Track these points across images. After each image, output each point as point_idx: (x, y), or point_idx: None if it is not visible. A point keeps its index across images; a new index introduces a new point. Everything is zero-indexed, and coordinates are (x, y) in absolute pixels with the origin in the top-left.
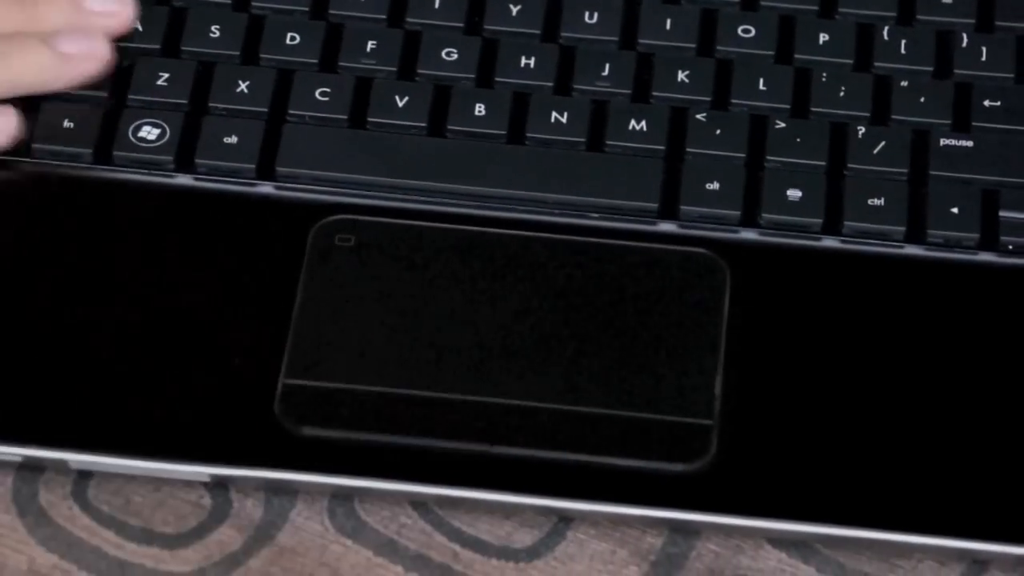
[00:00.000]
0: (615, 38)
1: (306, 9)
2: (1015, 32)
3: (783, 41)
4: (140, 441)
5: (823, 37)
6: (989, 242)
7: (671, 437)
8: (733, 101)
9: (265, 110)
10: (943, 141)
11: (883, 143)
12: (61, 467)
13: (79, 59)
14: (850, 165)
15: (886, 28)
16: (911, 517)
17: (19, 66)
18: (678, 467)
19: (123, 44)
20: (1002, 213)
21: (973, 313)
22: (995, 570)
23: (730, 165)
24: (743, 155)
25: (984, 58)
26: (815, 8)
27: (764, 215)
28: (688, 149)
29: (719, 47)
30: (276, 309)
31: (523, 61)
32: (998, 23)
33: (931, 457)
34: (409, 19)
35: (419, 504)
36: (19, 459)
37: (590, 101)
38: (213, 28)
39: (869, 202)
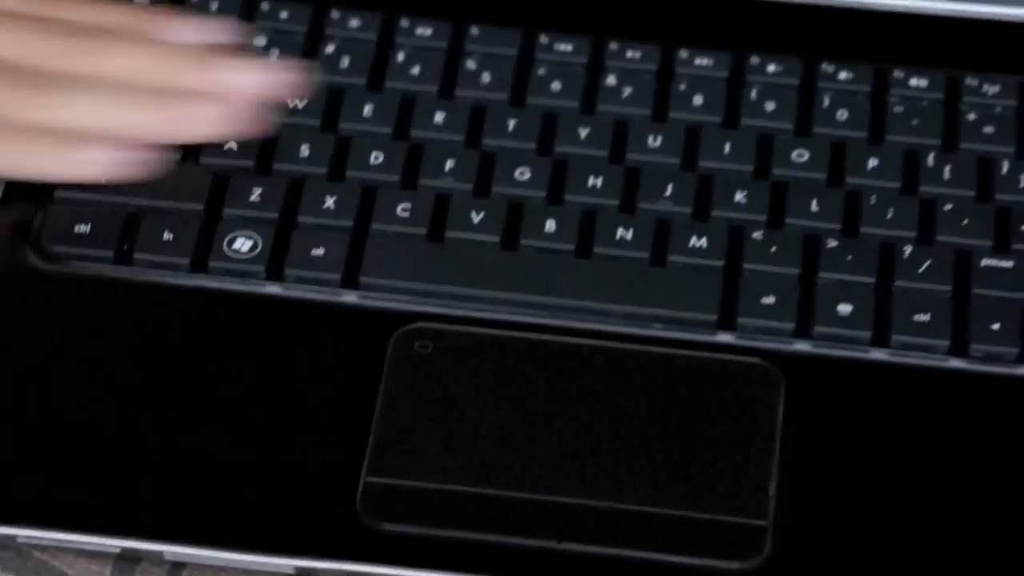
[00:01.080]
0: (677, 160)
1: (389, 131)
2: None
3: (835, 165)
4: (230, 534)
5: (872, 162)
6: None
7: (728, 537)
8: (787, 221)
9: (350, 224)
10: (984, 261)
11: (928, 262)
12: (156, 558)
13: (207, 120)
14: (897, 282)
15: (931, 154)
16: None
17: (150, 117)
18: (734, 565)
19: (218, 161)
20: None
21: (1014, 424)
22: None
23: (785, 281)
24: (797, 271)
25: (1023, 184)
26: (864, 135)
27: (817, 328)
28: (745, 265)
29: (775, 170)
30: (358, 411)
31: (591, 181)
32: None
33: (966, 558)
34: (485, 140)
35: None
36: (117, 550)
37: (653, 219)
38: (303, 147)
39: (915, 317)
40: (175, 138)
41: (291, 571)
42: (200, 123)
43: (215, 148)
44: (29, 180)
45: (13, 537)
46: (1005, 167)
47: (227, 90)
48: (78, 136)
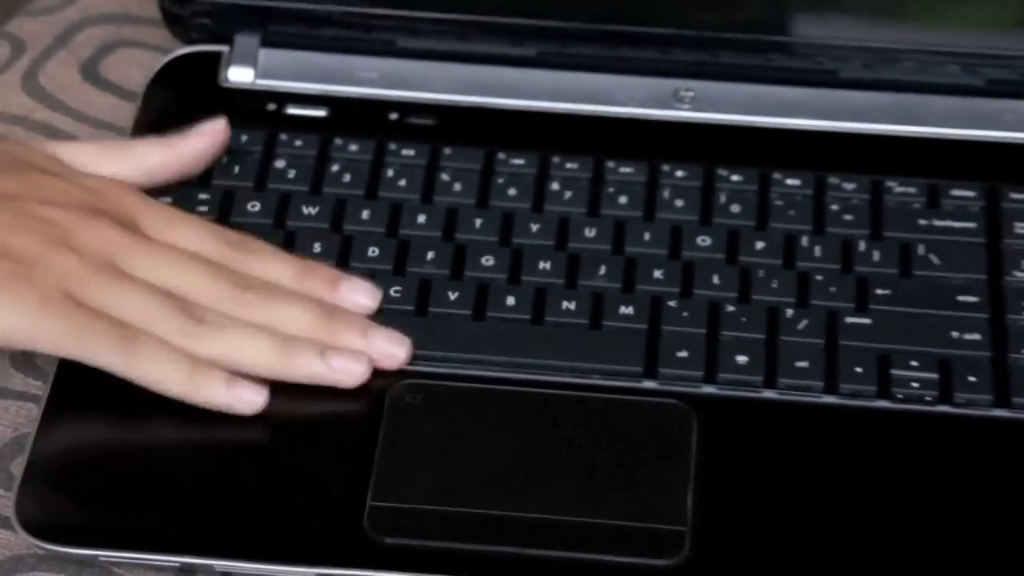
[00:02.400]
0: (608, 247)
1: (382, 230)
2: (899, 240)
3: (730, 247)
4: (265, 549)
5: (759, 244)
6: (884, 392)
7: (656, 540)
8: (695, 291)
9: None
10: (848, 319)
11: (805, 321)
12: (208, 570)
13: (344, 373)
14: (782, 337)
15: (805, 237)
16: None
17: (295, 364)
18: (661, 562)
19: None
20: (893, 371)
21: (873, 446)
22: None
23: (695, 338)
24: (704, 331)
25: (876, 258)
26: (753, 223)
27: (720, 374)
28: (663, 327)
29: (684, 252)
30: (364, 451)
31: (541, 265)
32: (886, 234)
33: (839, 555)
34: (458, 235)
35: None
36: (177, 565)
37: (591, 293)
38: (315, 244)
39: (796, 364)
40: (313, 382)
41: None
42: (345, 376)
43: None
44: (153, 389)
45: (96, 557)
46: (862, 246)
47: (378, 359)
48: (218, 367)
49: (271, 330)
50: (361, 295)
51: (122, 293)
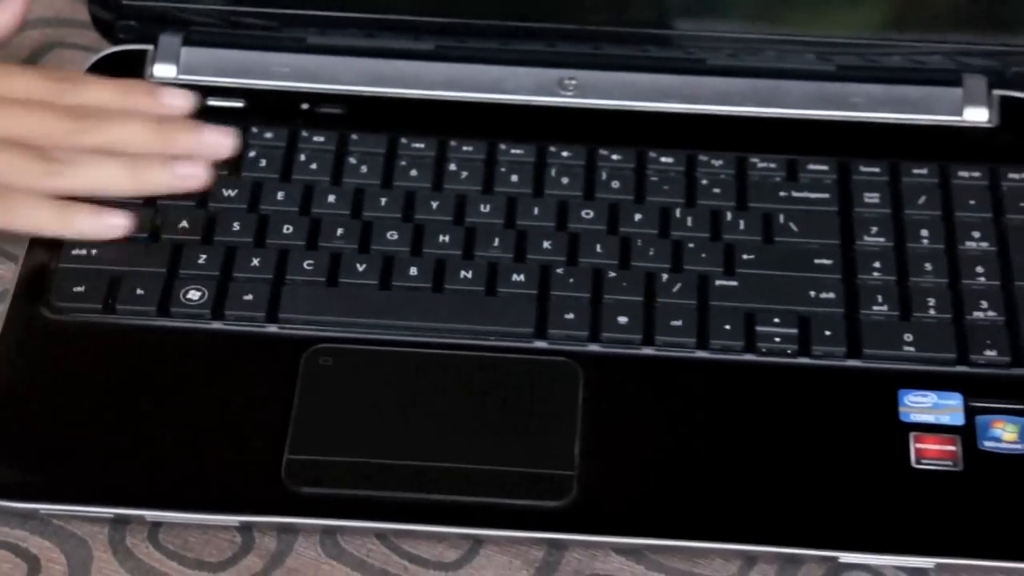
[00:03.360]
0: (501, 221)
1: (296, 209)
2: (762, 211)
3: (611, 220)
4: (192, 500)
5: (637, 216)
6: (750, 347)
7: (547, 484)
8: (580, 260)
9: (271, 277)
10: (717, 282)
11: (679, 284)
12: (140, 520)
13: (188, 178)
14: (658, 299)
15: (678, 209)
16: (700, 530)
17: (146, 180)
18: (551, 503)
19: (175, 236)
20: (757, 328)
21: (740, 395)
22: (762, 563)
23: (580, 302)
24: (588, 295)
25: (742, 227)
26: (631, 198)
27: (603, 334)
28: (552, 292)
29: (570, 225)
30: (282, 409)
31: (441, 238)
32: (750, 205)
33: (710, 491)
34: (365, 213)
35: (380, 535)
36: (111, 515)
37: (486, 263)
38: (235, 224)
39: (671, 323)
40: (164, 192)
41: (236, 524)
42: (189, 180)
43: (172, 227)
44: (30, 235)
45: (37, 510)
46: (729, 216)
47: (203, 152)
48: (81, 199)
49: (118, 154)
50: (177, 98)
51: None
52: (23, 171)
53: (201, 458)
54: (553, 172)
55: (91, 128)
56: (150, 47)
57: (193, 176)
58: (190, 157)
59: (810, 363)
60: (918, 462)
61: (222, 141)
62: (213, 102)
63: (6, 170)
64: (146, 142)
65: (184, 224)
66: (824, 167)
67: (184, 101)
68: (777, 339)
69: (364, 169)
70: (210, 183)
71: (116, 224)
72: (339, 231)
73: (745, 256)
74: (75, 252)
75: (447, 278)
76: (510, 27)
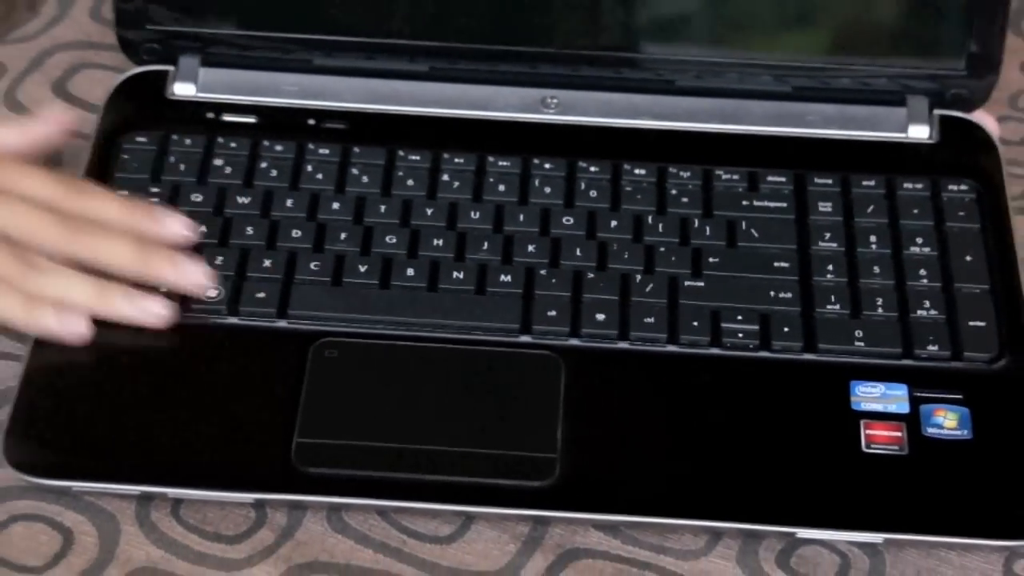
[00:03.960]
0: (489, 226)
1: (303, 215)
2: (726, 218)
3: (590, 226)
4: (211, 479)
5: (613, 223)
6: (716, 342)
7: (532, 465)
8: (561, 262)
9: (281, 277)
10: (686, 283)
11: (651, 285)
12: (163, 497)
13: (150, 315)
14: (632, 299)
15: (650, 217)
16: (671, 508)
17: (109, 306)
18: (535, 483)
19: (196, 240)
20: (722, 324)
21: (706, 385)
22: (727, 538)
23: (562, 300)
24: (569, 294)
25: (708, 233)
26: (608, 206)
27: (583, 330)
28: (536, 292)
29: (552, 230)
30: (292, 398)
31: (435, 242)
32: (715, 213)
33: (680, 473)
34: (366, 219)
35: (381, 512)
36: (138, 493)
37: (476, 265)
38: (248, 228)
39: (644, 320)
40: (123, 320)
41: (251, 501)
42: (150, 317)
43: (192, 230)
44: (11, 327)
45: (70, 487)
46: (696, 223)
47: (179, 284)
48: (49, 303)
49: (92, 274)
50: (177, 226)
51: None
52: (6, 267)
53: (219, 441)
54: (537, 182)
55: (79, 241)
56: (171, 67)
57: (155, 314)
58: (159, 289)
59: (770, 356)
60: (868, 447)
61: (199, 281)
62: (228, 118)
63: None
64: (127, 265)
65: (202, 228)
66: (782, 179)
67: (185, 230)
68: (740, 335)
69: (365, 179)
70: (171, 320)
71: (76, 331)
72: (343, 235)
73: (711, 259)
74: None
75: (441, 278)
76: (497, 51)
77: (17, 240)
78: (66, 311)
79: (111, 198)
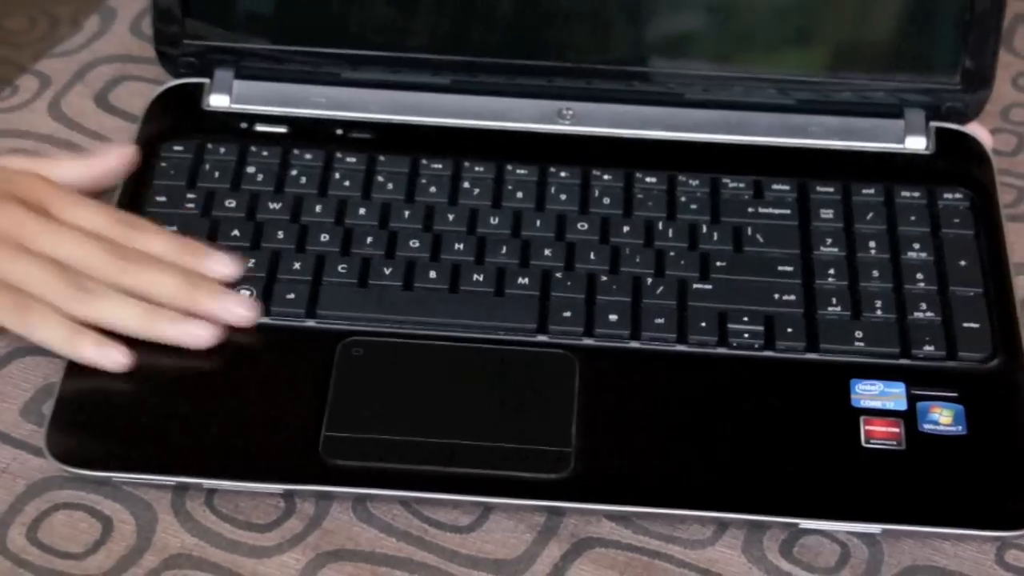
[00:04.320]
0: (508, 231)
1: (332, 220)
2: (732, 224)
3: (603, 231)
4: (243, 471)
5: (626, 228)
6: (723, 342)
7: (547, 458)
8: (576, 266)
9: (310, 279)
10: (695, 286)
11: (662, 287)
12: (198, 487)
13: (196, 338)
14: (644, 301)
15: (660, 223)
16: (680, 500)
17: (156, 329)
18: (552, 476)
19: (230, 243)
20: (729, 325)
21: (714, 382)
22: (733, 528)
23: (576, 302)
24: (583, 296)
25: (715, 238)
26: (621, 212)
27: (597, 330)
28: (552, 294)
29: (567, 235)
30: (319, 393)
31: (456, 246)
32: (723, 219)
33: (688, 466)
34: (391, 224)
35: (404, 502)
36: (174, 483)
37: (495, 268)
38: (279, 233)
39: (655, 321)
40: (168, 343)
41: (280, 492)
42: (196, 340)
43: (226, 236)
44: (43, 346)
45: (110, 478)
46: (704, 229)
47: (222, 317)
48: (92, 330)
49: (141, 299)
50: (222, 265)
51: (22, 266)
52: (51, 291)
53: (250, 434)
54: (553, 190)
55: (128, 271)
56: (207, 80)
57: (200, 337)
58: (206, 319)
59: (774, 356)
60: (867, 442)
61: (243, 313)
62: (261, 128)
63: (36, 284)
64: (173, 297)
65: (235, 232)
66: (786, 187)
67: (229, 270)
68: (746, 335)
69: (390, 186)
70: (215, 342)
71: (118, 360)
72: (369, 239)
73: (718, 263)
74: None
75: (461, 280)
76: (516, 65)
77: (68, 266)
78: (105, 344)
79: (161, 232)
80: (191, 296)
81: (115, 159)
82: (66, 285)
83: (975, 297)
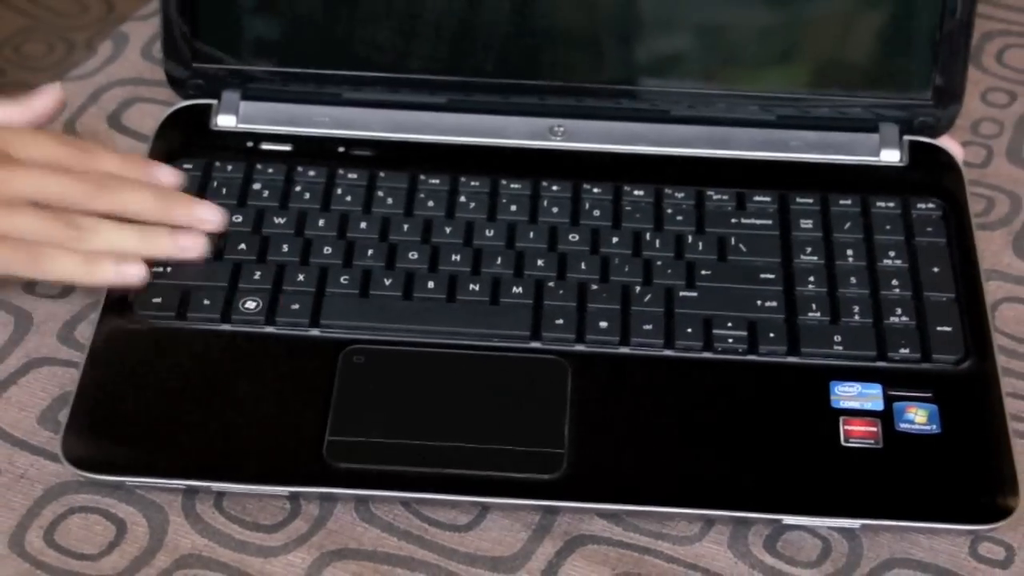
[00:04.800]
0: (502, 243)
1: (334, 234)
2: (717, 234)
3: (593, 242)
4: (251, 474)
5: (614, 239)
6: (708, 347)
7: (542, 460)
8: (568, 275)
9: (313, 290)
10: (681, 293)
11: (650, 295)
12: (207, 491)
13: (188, 249)
14: (632, 308)
15: (647, 233)
16: (668, 498)
17: (153, 246)
18: (544, 476)
19: (235, 256)
20: (714, 331)
21: (700, 385)
22: (719, 524)
23: (568, 310)
24: (575, 304)
25: (700, 248)
26: (610, 224)
27: (588, 336)
28: (545, 302)
29: (559, 246)
30: (323, 398)
31: (453, 257)
32: (707, 229)
33: (676, 466)
34: (391, 237)
35: (405, 503)
36: (184, 487)
37: (490, 278)
38: (284, 246)
39: (643, 327)
40: (170, 257)
41: (286, 494)
42: (188, 251)
43: (233, 248)
44: (58, 284)
45: (123, 482)
46: (690, 239)
47: (195, 224)
48: (105, 256)
49: (133, 223)
50: (169, 175)
51: (14, 220)
52: (50, 234)
53: (257, 439)
54: (545, 203)
55: (105, 195)
56: (215, 101)
57: (192, 248)
58: (188, 228)
59: (757, 360)
60: (846, 441)
61: (211, 217)
62: (266, 146)
63: (35, 231)
64: (149, 211)
65: (242, 246)
66: (767, 198)
67: (173, 178)
68: (730, 340)
69: (390, 201)
70: (204, 254)
71: (135, 274)
72: (369, 252)
73: (703, 272)
74: (154, 270)
75: (458, 290)
76: (509, 84)
77: (46, 204)
78: (123, 261)
79: (110, 152)
80: (166, 209)
81: (50, 98)
82: (63, 226)
83: (948, 302)
